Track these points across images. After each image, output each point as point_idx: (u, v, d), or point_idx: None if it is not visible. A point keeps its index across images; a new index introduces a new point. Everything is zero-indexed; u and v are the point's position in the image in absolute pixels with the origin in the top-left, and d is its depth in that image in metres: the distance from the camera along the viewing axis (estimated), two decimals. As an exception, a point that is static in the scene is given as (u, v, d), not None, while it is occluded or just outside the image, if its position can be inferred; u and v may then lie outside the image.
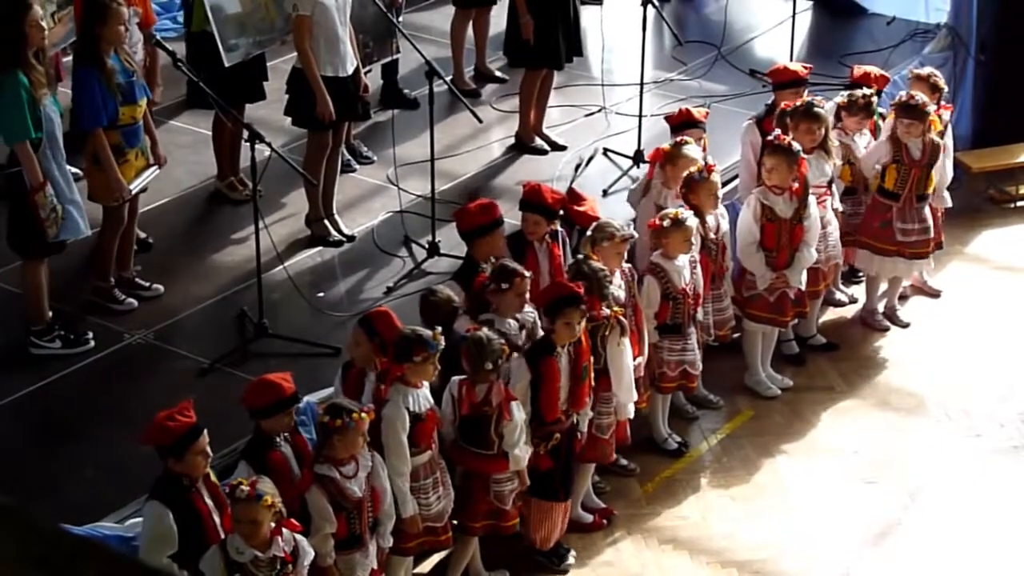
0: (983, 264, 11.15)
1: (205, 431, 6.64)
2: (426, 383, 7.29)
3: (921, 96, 9.80)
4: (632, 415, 8.41)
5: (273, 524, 6.47)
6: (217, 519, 6.68)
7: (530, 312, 8.03)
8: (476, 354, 7.38)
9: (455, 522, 7.66)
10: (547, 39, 10.87)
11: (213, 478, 6.78)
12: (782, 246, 9.25)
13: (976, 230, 11.53)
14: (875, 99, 10.03)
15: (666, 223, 8.57)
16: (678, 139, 9.25)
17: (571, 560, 8.19)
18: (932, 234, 10.07)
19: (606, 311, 8.04)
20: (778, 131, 9.37)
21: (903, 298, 10.61)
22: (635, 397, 8.31)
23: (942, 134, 10.10)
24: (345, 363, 7.65)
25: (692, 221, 8.64)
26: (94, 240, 9.07)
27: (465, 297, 8.07)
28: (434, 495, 7.40)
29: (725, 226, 9.26)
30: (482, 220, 8.40)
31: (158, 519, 6.59)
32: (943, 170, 10.22)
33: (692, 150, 9.11)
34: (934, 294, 10.71)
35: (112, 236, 9.06)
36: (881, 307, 10.42)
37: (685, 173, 9.02)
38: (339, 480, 6.89)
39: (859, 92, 9.95)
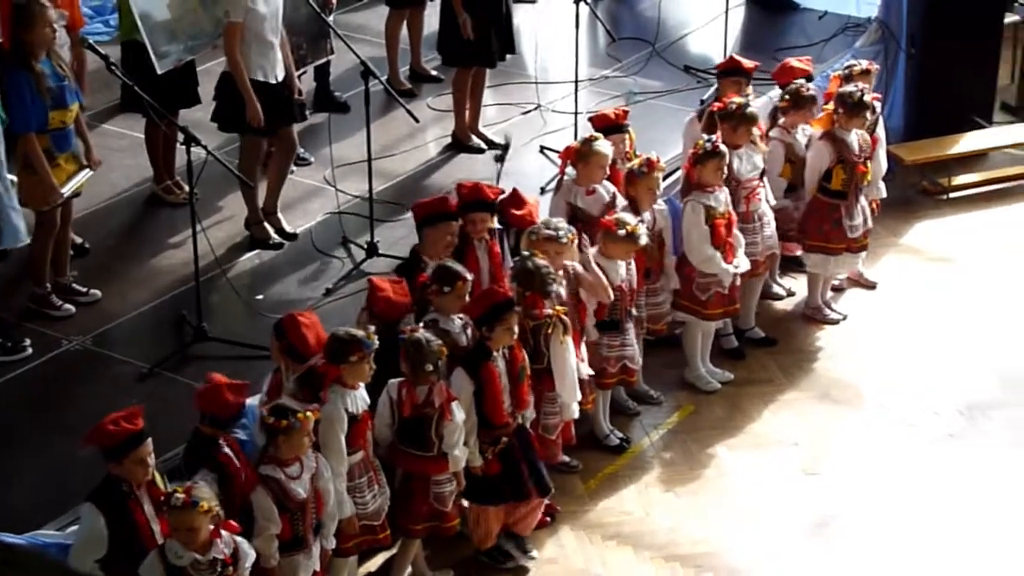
0: (917, 255, 11.24)
1: (149, 440, 6.60)
2: (362, 384, 7.27)
3: (865, 87, 9.88)
4: (577, 415, 8.41)
5: (211, 527, 6.43)
6: (156, 527, 6.63)
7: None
8: (415, 356, 7.36)
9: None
10: (480, 37, 10.88)
11: (159, 483, 6.72)
12: (727, 240, 9.27)
13: (910, 222, 11.63)
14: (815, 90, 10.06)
15: (621, 232, 8.55)
16: (588, 136, 9.24)
17: (533, 555, 8.19)
18: (870, 224, 10.17)
19: (548, 309, 8.05)
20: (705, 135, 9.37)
21: (839, 290, 10.69)
22: (579, 397, 8.30)
23: (873, 125, 10.18)
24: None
25: (644, 240, 8.64)
26: (28, 247, 9.00)
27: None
28: (369, 493, 7.39)
29: (662, 222, 9.26)
30: (435, 209, 8.33)
31: (90, 523, 6.57)
32: (878, 161, 10.32)
33: (603, 146, 9.08)
34: (870, 286, 10.78)
35: (45, 241, 8.99)
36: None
37: (628, 167, 9.05)
38: (283, 481, 6.86)
39: (800, 84, 9.97)
